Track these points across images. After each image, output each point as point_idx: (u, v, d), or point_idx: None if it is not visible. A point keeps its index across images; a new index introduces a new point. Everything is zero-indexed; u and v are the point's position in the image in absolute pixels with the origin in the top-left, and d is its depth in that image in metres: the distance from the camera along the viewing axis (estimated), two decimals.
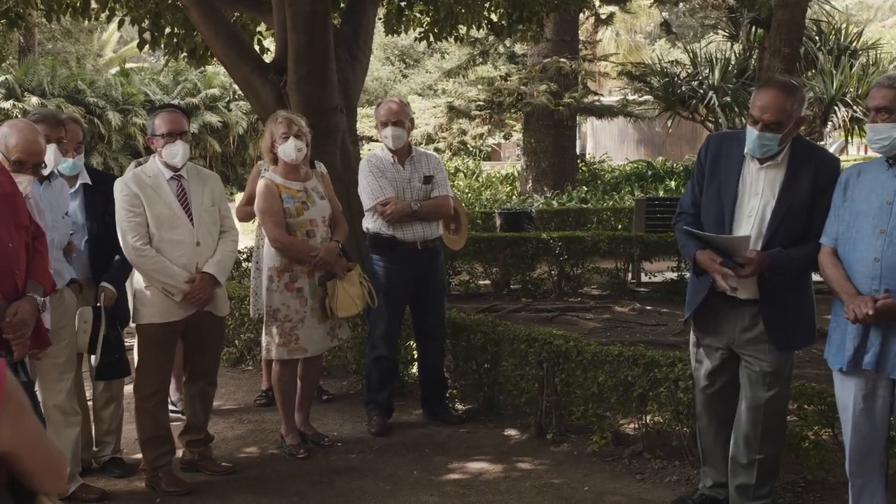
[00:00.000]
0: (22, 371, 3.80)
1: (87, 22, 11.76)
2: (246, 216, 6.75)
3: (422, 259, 6.25)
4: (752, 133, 4.31)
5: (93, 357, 5.28)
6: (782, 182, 4.35)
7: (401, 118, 6.17)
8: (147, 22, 10.92)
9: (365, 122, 24.71)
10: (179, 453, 5.60)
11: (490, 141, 31.72)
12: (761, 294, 4.40)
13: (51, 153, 5.07)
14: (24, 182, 4.42)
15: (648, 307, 10.52)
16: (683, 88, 17.99)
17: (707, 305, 4.57)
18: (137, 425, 5.36)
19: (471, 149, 29.99)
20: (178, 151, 5.27)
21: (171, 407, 6.16)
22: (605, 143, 31.21)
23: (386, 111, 6.19)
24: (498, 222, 14.77)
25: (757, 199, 4.39)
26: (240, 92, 27.87)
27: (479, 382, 6.60)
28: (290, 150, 5.73)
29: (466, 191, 21.49)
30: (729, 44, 18.38)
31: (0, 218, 3.84)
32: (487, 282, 11.68)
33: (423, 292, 6.33)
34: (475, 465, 5.64)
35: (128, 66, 31.69)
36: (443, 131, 27.42)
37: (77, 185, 5.40)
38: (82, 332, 5.11)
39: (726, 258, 4.36)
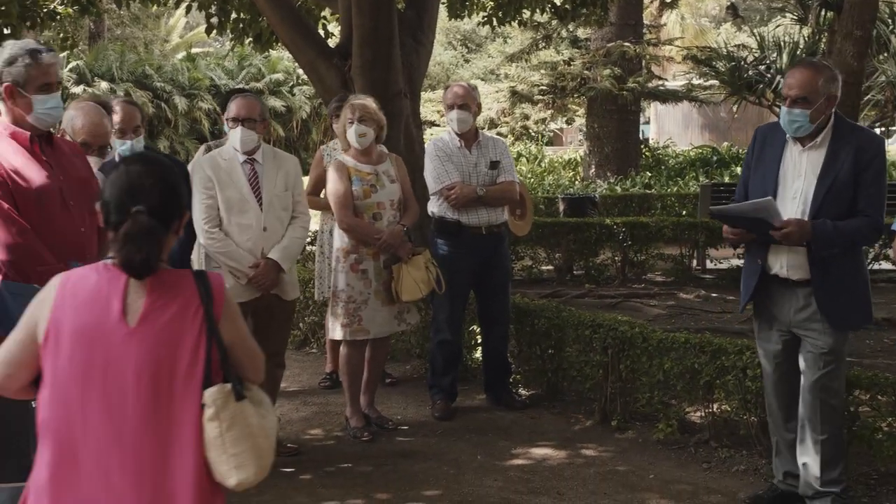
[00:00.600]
0: None
1: (154, 7, 11.92)
2: (310, 205, 6.67)
3: (486, 244, 6.24)
4: (782, 112, 4.45)
5: None
6: (823, 162, 4.40)
7: (466, 102, 6.16)
8: (214, 7, 11.05)
9: (427, 106, 24.72)
10: None
11: (552, 126, 31.58)
12: (812, 274, 4.42)
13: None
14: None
15: (714, 294, 10.39)
16: (750, 73, 17.66)
17: (763, 289, 4.61)
18: None
19: (533, 134, 29.89)
20: (238, 137, 5.38)
21: None
22: (668, 128, 30.84)
23: (452, 95, 6.19)
24: (561, 207, 14.69)
25: (800, 181, 4.45)
26: (303, 77, 28.14)
27: (542, 368, 6.58)
28: (351, 135, 5.77)
29: (529, 176, 21.39)
30: (797, 27, 18.00)
31: (76, 202, 3.89)
32: (550, 267, 11.63)
33: (488, 277, 6.32)
34: (539, 451, 5.64)
35: (194, 51, 32.07)
36: (505, 116, 27.38)
37: None
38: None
39: (760, 230, 4.40)
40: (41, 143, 3.93)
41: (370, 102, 5.85)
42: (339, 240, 5.88)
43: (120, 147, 5.19)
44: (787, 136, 4.49)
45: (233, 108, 5.42)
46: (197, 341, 2.56)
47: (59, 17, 13.03)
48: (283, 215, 5.47)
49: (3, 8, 11.16)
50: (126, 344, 2.52)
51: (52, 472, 2.52)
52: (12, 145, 3.81)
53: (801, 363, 4.53)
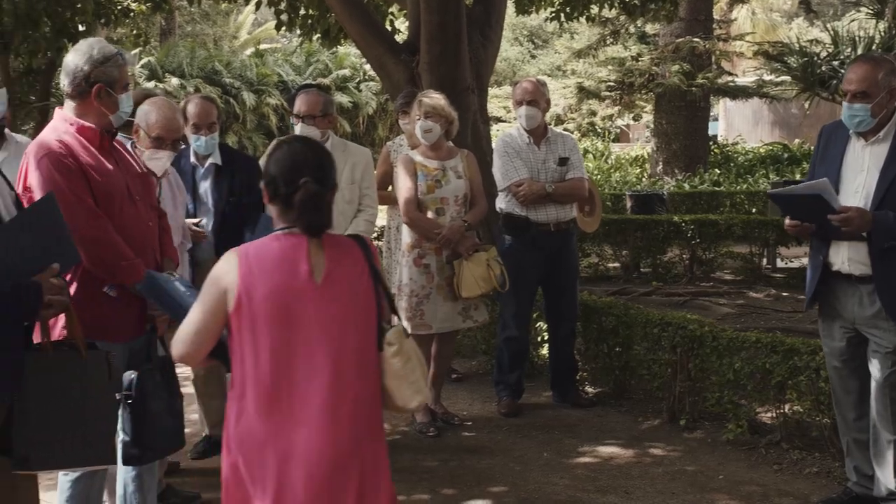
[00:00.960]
0: (161, 346, 3.92)
1: (224, 4, 12.06)
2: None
3: (554, 240, 6.21)
4: (844, 107, 4.40)
5: None
6: (886, 156, 4.35)
7: (536, 98, 6.13)
8: (283, 3, 11.15)
9: (494, 102, 24.68)
10: None
11: (619, 122, 31.32)
12: (874, 269, 4.34)
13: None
14: (163, 158, 4.56)
15: (784, 293, 10.22)
16: (823, 68, 17.30)
17: (826, 287, 4.55)
18: None
19: (599, 130, 29.68)
20: (306, 133, 5.46)
21: None
22: (738, 125, 30.41)
23: (521, 91, 6.16)
24: (628, 204, 14.57)
25: (863, 175, 4.40)
26: (370, 73, 28.27)
27: (609, 366, 6.53)
28: (418, 130, 5.78)
29: (596, 172, 21.25)
30: (873, 21, 17.63)
31: (141, 197, 3.94)
32: (617, 264, 11.55)
33: (555, 274, 6.29)
34: (606, 449, 5.59)
35: (262, 47, 32.37)
36: (572, 112, 27.22)
37: (208, 164, 5.39)
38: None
39: (818, 217, 4.34)
40: (109, 140, 3.94)
41: (440, 99, 5.83)
42: (406, 234, 5.90)
43: (195, 142, 5.26)
44: (850, 131, 4.44)
45: (298, 104, 5.53)
46: (368, 291, 3.06)
47: (132, 13, 13.27)
48: (347, 208, 5.52)
49: (78, 5, 11.40)
50: (316, 299, 2.95)
51: (258, 417, 2.92)
52: (81, 142, 3.79)
53: (870, 362, 4.45)
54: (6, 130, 5.36)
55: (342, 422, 2.94)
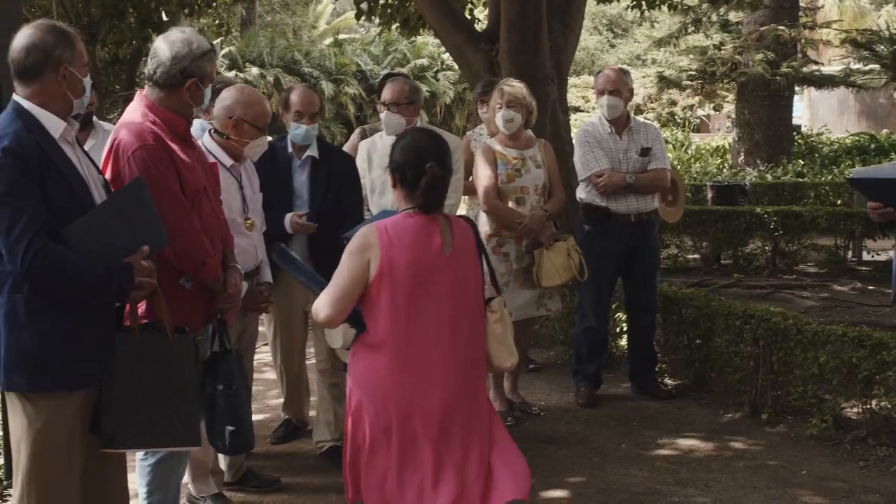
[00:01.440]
0: (226, 340, 3.97)
1: None
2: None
3: (635, 231, 6.14)
4: None
5: None
6: None
7: (618, 87, 6.06)
8: None
9: (572, 91, 24.51)
10: None
11: (699, 112, 30.89)
12: None
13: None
14: (257, 147, 4.59)
15: (871, 287, 9.97)
16: None
17: None
18: None
19: (679, 120, 29.30)
20: (384, 120, 5.52)
21: None
22: (823, 115, 29.76)
23: (603, 79, 6.10)
24: (709, 195, 14.35)
25: None
26: (448, 62, 28.30)
27: (690, 358, 6.45)
28: (499, 119, 5.74)
29: (676, 162, 20.96)
30: None
31: (212, 189, 3.95)
32: (696, 256, 11.39)
33: (636, 264, 6.23)
34: (686, 442, 5.53)
35: (340, 37, 32.60)
36: (651, 102, 26.92)
37: (305, 157, 5.26)
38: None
39: None
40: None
41: (521, 87, 5.79)
42: (484, 223, 5.88)
43: (294, 131, 5.16)
44: None
45: (385, 93, 5.53)
46: (476, 264, 3.57)
47: (215, 3, 13.48)
48: None
49: None
50: (445, 268, 3.43)
51: (388, 371, 3.40)
52: (167, 132, 3.77)
53: None
54: (94, 118, 5.49)
55: (457, 377, 3.44)
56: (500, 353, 3.63)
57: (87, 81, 3.35)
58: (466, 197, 6.85)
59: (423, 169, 3.41)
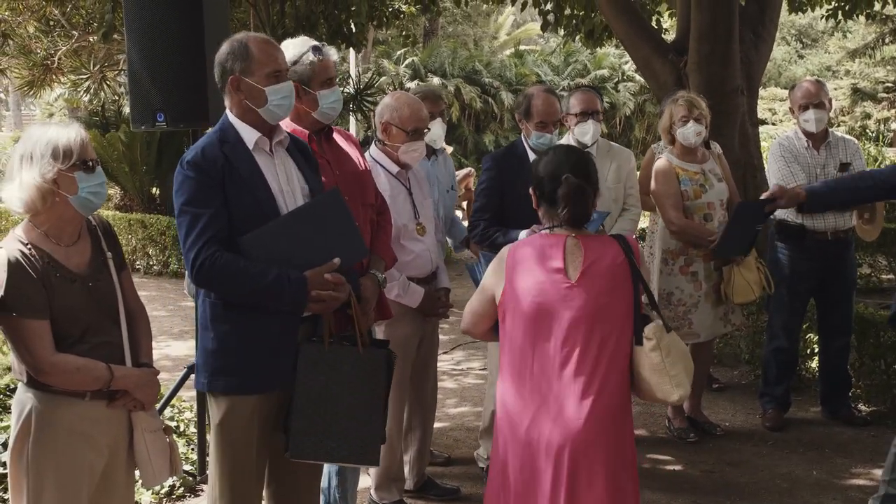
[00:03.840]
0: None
1: (487, 5, 12.26)
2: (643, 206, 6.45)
3: (831, 250, 5.88)
4: None
5: None
6: None
7: (822, 99, 5.82)
8: (550, 3, 11.20)
9: (759, 104, 23.80)
10: None
11: (893, 125, 29.47)
12: None
13: (437, 127, 5.27)
14: (411, 151, 4.60)
15: None
16: None
17: None
18: None
19: (871, 133, 28.04)
20: (588, 130, 5.48)
21: None
22: None
23: (805, 92, 5.85)
24: None
25: None
26: (628, 73, 27.99)
27: (887, 383, 6.14)
28: (689, 133, 5.61)
29: None
30: None
31: (351, 195, 3.88)
32: (892, 276, 10.84)
33: (830, 285, 5.96)
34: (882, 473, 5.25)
35: (521, 47, 32.73)
36: (844, 115, 25.86)
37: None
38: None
39: None
40: (319, 139, 4.00)
41: (702, 100, 5.72)
42: (666, 241, 5.75)
43: (537, 140, 5.01)
44: None
45: (577, 103, 5.52)
46: (627, 287, 3.21)
47: (402, 15, 13.74)
48: (613, 207, 5.48)
49: (353, 8, 11.92)
50: (571, 296, 3.16)
51: (511, 402, 3.21)
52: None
53: None
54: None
55: (588, 411, 3.12)
56: (661, 386, 3.22)
57: (285, 87, 3.42)
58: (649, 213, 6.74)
59: (560, 181, 3.24)
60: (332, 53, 3.95)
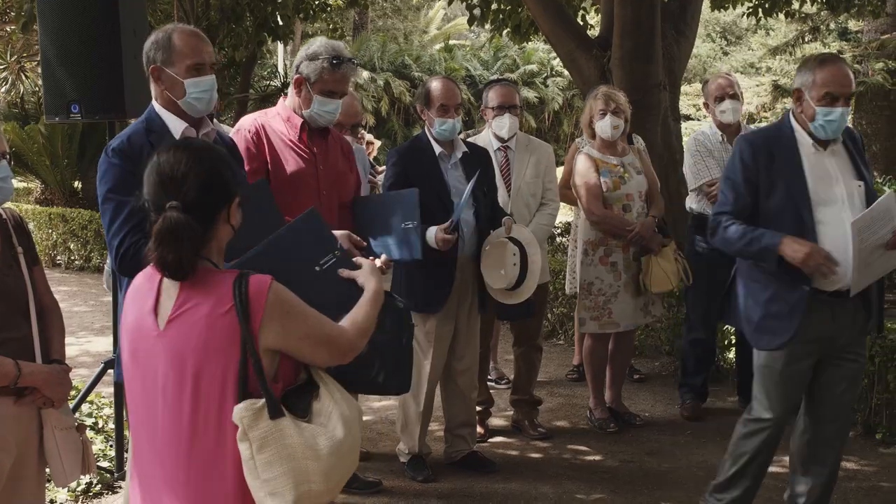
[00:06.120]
0: None
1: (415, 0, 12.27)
2: (563, 198, 6.23)
3: None
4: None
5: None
6: None
7: (737, 92, 5.94)
8: None
9: (683, 99, 24.13)
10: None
11: None
12: None
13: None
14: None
15: None
16: None
17: None
18: None
19: None
20: (505, 124, 5.48)
21: (488, 376, 6.29)
22: None
23: (719, 85, 5.97)
24: None
25: None
26: (557, 68, 28.19)
27: None
28: (606, 126, 5.70)
29: None
30: None
31: (328, 192, 4.15)
32: None
33: None
34: None
35: (451, 42, 32.78)
36: (765, 111, 26.35)
37: (460, 154, 5.03)
38: (511, 266, 4.82)
39: None
40: (311, 132, 4.12)
41: (621, 94, 5.81)
42: (586, 232, 5.84)
43: (440, 126, 4.92)
44: None
45: (495, 97, 5.53)
46: (228, 349, 2.32)
47: (329, 8, 13.68)
48: (531, 202, 5.54)
49: (279, 0, 11.85)
50: (155, 346, 2.40)
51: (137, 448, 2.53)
52: (284, 128, 4.06)
53: None
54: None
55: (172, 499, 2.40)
56: (253, 490, 2.32)
57: (206, 81, 3.41)
58: (573, 206, 6.81)
59: (162, 210, 2.35)
60: (348, 70, 4.10)
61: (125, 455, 4.66)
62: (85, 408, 5.53)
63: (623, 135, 5.87)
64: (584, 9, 11.94)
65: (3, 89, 15.98)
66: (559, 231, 10.70)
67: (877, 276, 4.00)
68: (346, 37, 23.13)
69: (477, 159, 5.04)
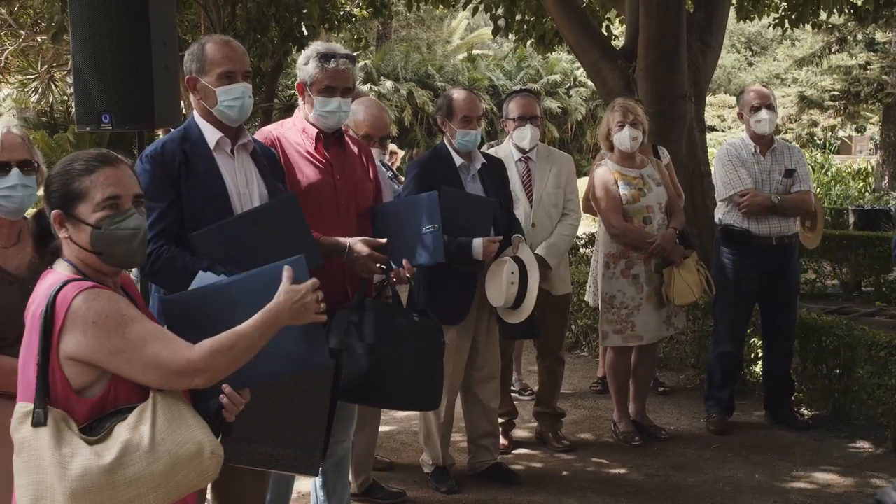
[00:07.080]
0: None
1: (439, 10, 12.30)
2: (587, 210, 6.33)
3: (775, 255, 5.96)
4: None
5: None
6: None
7: (773, 102, 5.91)
8: (501, 9, 11.25)
9: (708, 110, 24.08)
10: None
11: (840, 133, 29.95)
12: None
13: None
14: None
15: None
16: None
17: None
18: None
19: (818, 141, 28.46)
20: (526, 134, 5.47)
21: (511, 387, 6.27)
22: None
23: (756, 95, 5.92)
24: (851, 220, 13.86)
25: None
26: (580, 78, 28.19)
27: (828, 388, 6.22)
28: (624, 138, 5.69)
29: (815, 185, 20.28)
30: None
31: (346, 202, 4.05)
32: (835, 282, 11.01)
33: (775, 289, 6.04)
34: (823, 476, 5.32)
35: (474, 52, 32.83)
36: (791, 122, 26.26)
37: (479, 166, 4.99)
38: (509, 284, 4.73)
39: None
40: (327, 141, 4.04)
41: (639, 106, 5.80)
42: (607, 245, 5.82)
43: (463, 138, 4.88)
44: None
45: (516, 108, 5.51)
46: (35, 349, 2.33)
47: (354, 19, 13.72)
48: (554, 212, 5.51)
49: (304, 11, 11.89)
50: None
51: None
52: (300, 139, 3.99)
53: None
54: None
55: None
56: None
57: (236, 88, 3.43)
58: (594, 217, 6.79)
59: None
60: (342, 65, 3.97)
61: None
62: None
63: (642, 146, 5.84)
64: (609, 19, 11.93)
65: (33, 98, 16.13)
66: (583, 242, 10.67)
67: None
68: (370, 47, 23.19)
69: (494, 170, 5.06)
